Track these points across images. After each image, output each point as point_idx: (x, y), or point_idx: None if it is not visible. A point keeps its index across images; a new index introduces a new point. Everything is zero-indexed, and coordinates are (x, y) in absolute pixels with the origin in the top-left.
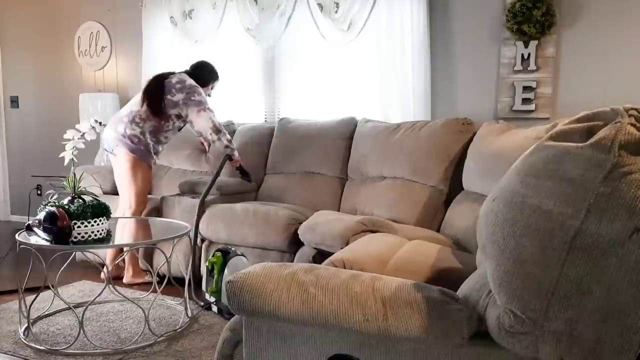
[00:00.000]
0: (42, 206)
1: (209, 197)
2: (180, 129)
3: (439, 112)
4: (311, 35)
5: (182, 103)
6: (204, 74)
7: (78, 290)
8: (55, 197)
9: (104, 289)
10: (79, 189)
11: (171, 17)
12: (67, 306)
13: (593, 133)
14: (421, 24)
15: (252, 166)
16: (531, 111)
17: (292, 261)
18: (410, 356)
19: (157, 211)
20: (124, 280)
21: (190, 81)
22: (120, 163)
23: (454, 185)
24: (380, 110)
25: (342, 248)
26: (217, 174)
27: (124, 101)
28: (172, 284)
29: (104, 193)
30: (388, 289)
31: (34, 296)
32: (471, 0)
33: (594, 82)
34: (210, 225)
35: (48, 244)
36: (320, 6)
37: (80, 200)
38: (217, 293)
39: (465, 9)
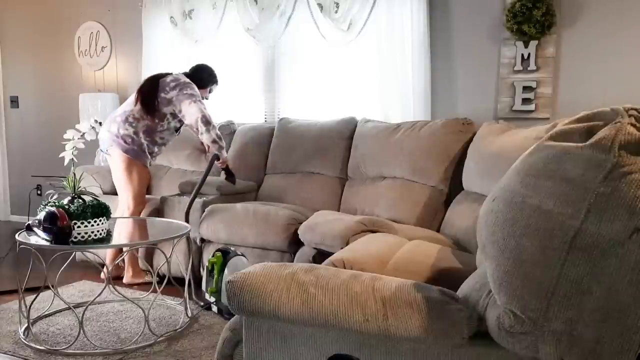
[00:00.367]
0: (42, 206)
1: (210, 198)
2: (177, 129)
3: (439, 112)
4: (311, 35)
5: (175, 99)
6: (203, 76)
7: (78, 290)
8: (55, 197)
9: (104, 289)
10: (79, 189)
11: (171, 17)
12: (67, 306)
13: (593, 133)
14: (421, 24)
15: (252, 166)
16: (531, 111)
17: (292, 261)
18: (410, 356)
19: (157, 211)
20: (124, 281)
21: (184, 79)
22: (115, 163)
23: (454, 185)
24: (380, 110)
25: (342, 248)
26: (206, 175)
27: (123, 101)
28: (172, 284)
29: (104, 193)
30: (388, 289)
31: (34, 296)
32: (471, 0)
33: (594, 82)
34: (210, 225)
35: (48, 244)
36: (320, 6)
37: (80, 200)
38: (217, 293)
39: (465, 9)
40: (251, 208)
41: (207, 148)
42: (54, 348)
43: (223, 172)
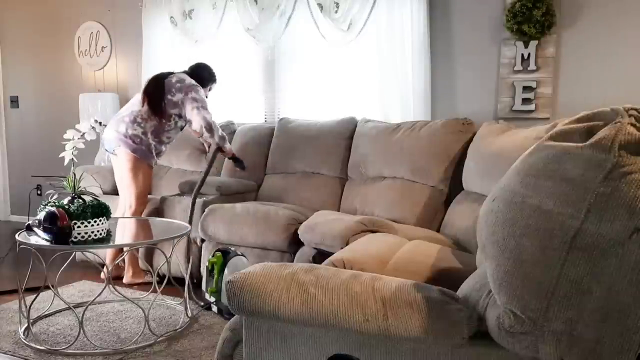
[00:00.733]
0: (42, 206)
1: (210, 198)
2: (182, 128)
3: (439, 112)
4: (311, 35)
5: (181, 102)
6: (202, 75)
7: (78, 290)
8: (55, 197)
9: (104, 289)
10: (79, 189)
11: (171, 17)
12: (67, 306)
13: (593, 133)
14: (421, 24)
15: (252, 166)
16: (531, 111)
17: (292, 261)
18: (410, 356)
19: (157, 211)
20: (124, 281)
21: (189, 80)
22: (121, 163)
23: (454, 185)
24: (380, 110)
25: (342, 248)
26: (209, 168)
27: (123, 101)
28: (172, 284)
29: (104, 193)
30: (388, 289)
31: (34, 296)
32: (471, 0)
33: (594, 82)
34: (210, 225)
35: (48, 244)
36: (320, 6)
37: (80, 200)
38: (217, 293)
39: (465, 9)
40: (251, 208)
41: (207, 148)
42: (54, 348)
43: (231, 162)
